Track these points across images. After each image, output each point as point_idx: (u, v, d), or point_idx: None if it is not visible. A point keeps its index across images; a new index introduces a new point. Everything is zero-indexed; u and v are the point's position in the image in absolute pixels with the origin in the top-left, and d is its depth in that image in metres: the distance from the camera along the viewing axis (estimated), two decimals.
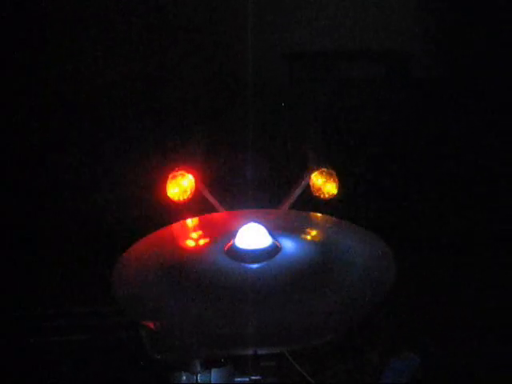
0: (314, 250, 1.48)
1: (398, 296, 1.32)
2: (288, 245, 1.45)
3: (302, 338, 1.20)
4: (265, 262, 1.38)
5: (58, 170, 2.37)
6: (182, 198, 1.98)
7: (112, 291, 1.31)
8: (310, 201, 2.00)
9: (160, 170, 2.03)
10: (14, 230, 2.33)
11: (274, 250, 1.41)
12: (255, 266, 1.38)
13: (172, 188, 1.98)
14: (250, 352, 1.24)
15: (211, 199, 1.99)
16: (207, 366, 1.41)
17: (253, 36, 2.17)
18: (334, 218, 1.67)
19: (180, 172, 1.99)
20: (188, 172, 2.00)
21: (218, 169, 2.26)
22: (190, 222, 1.69)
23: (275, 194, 2.08)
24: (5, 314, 2.02)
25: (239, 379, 1.45)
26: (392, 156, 2.39)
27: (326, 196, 2.00)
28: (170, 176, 1.99)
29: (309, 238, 1.56)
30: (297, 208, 1.95)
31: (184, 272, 1.38)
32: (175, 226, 1.65)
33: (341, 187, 2.01)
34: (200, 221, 1.70)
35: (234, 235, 1.44)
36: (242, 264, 1.38)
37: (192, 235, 1.61)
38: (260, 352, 1.23)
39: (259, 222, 1.45)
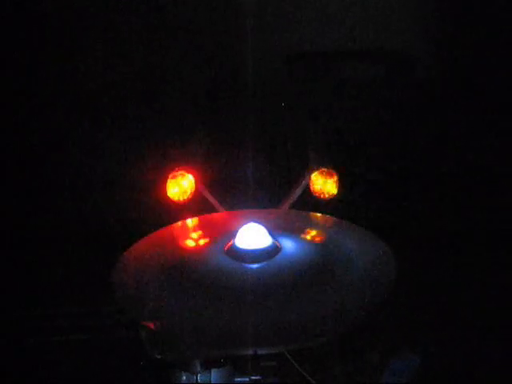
0: (314, 249, 1.48)
1: (398, 296, 1.32)
2: (288, 245, 1.45)
3: (302, 338, 1.20)
4: (265, 262, 1.38)
5: (57, 170, 2.37)
6: (181, 198, 1.98)
7: (112, 291, 1.31)
8: (310, 201, 2.00)
9: (160, 170, 2.03)
10: (14, 230, 2.33)
11: (273, 250, 1.41)
12: (255, 265, 1.38)
13: (172, 188, 1.98)
14: (249, 352, 1.24)
15: (211, 199, 1.99)
16: (207, 366, 1.41)
17: (253, 36, 2.17)
18: (334, 218, 1.67)
19: (180, 172, 1.99)
20: (188, 172, 2.00)
21: (218, 169, 2.26)
22: (190, 221, 1.69)
23: (275, 193, 2.08)
24: (5, 314, 2.02)
25: (239, 379, 1.45)
26: (392, 156, 2.39)
27: (326, 196, 2.00)
28: (170, 176, 1.99)
29: (309, 238, 1.56)
30: (297, 208, 1.95)
31: (184, 272, 1.38)
32: (175, 226, 1.66)
33: (341, 187, 2.01)
34: (200, 221, 1.71)
35: (234, 235, 1.45)
36: (242, 264, 1.38)
37: (192, 235, 1.61)
38: (260, 352, 1.23)
39: (259, 222, 1.45)
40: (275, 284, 1.32)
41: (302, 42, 2.31)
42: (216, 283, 1.32)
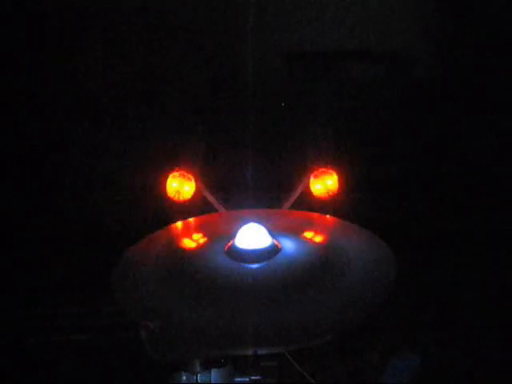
0: (314, 250, 1.48)
1: (398, 296, 1.32)
2: (288, 245, 1.45)
3: (302, 338, 1.20)
4: (265, 262, 1.38)
5: (57, 170, 2.37)
6: (182, 198, 1.98)
7: (112, 291, 1.31)
8: (310, 201, 2.00)
9: (160, 170, 2.03)
10: (14, 230, 2.33)
11: (273, 250, 1.41)
12: (255, 265, 1.38)
13: (172, 188, 1.98)
14: (249, 352, 1.24)
15: (211, 199, 1.99)
16: (207, 366, 1.41)
17: (253, 36, 2.17)
18: (334, 218, 1.67)
19: (180, 172, 1.99)
20: (188, 172, 2.00)
21: (218, 169, 2.26)
22: (190, 221, 1.69)
23: (275, 194, 2.08)
24: (5, 314, 2.02)
25: (239, 379, 1.45)
26: (392, 156, 2.39)
27: (326, 196, 2.00)
28: (170, 176, 1.99)
29: (309, 238, 1.55)
30: (297, 208, 1.95)
31: (184, 272, 1.38)
32: (175, 225, 1.66)
33: (341, 187, 2.01)
34: (200, 221, 1.71)
35: (233, 235, 1.44)
36: (242, 264, 1.38)
37: (192, 235, 1.61)
38: (260, 352, 1.23)
39: (259, 222, 1.45)
40: (275, 284, 1.32)
41: (302, 42, 2.31)
42: (216, 283, 1.32)
